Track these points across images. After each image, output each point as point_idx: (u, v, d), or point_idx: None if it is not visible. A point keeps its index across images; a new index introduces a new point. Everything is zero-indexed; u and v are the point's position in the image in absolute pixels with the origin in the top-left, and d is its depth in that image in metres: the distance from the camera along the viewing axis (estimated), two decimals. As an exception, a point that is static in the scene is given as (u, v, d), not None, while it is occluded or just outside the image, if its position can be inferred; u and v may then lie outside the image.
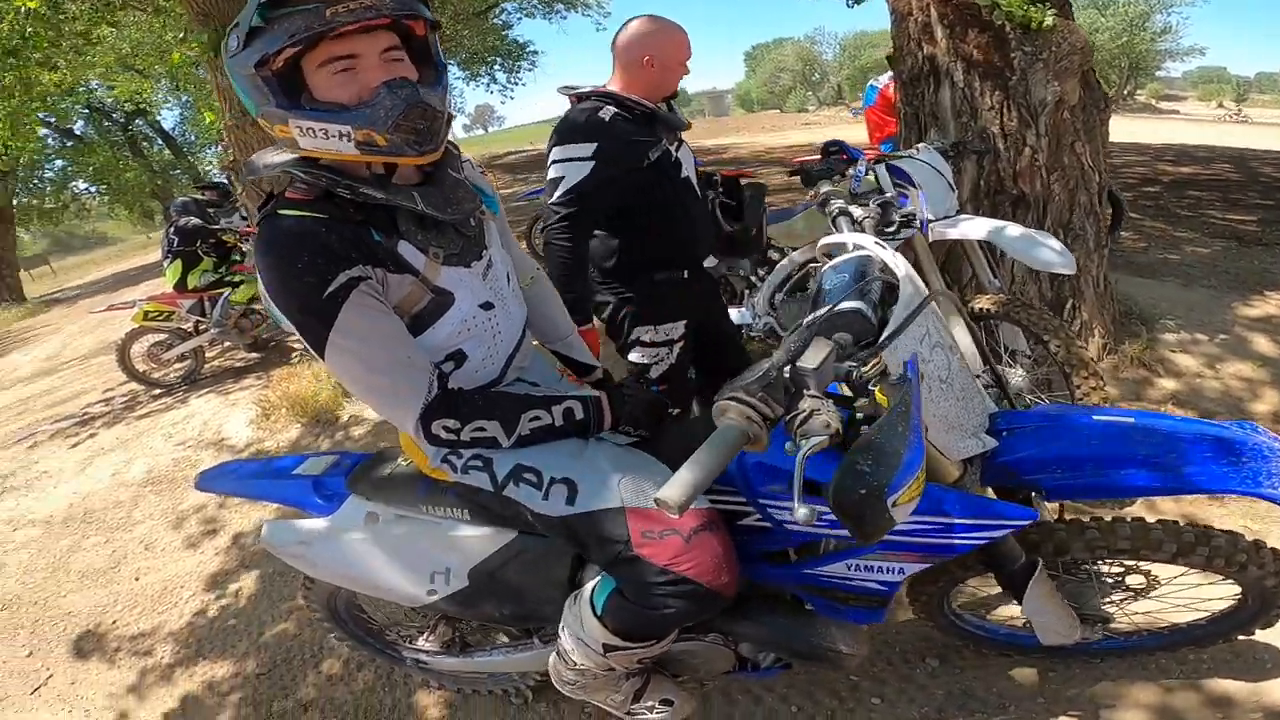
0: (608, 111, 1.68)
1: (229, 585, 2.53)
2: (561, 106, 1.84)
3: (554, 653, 1.32)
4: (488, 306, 1.16)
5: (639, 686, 1.39)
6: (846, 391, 0.85)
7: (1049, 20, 2.46)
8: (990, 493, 1.20)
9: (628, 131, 1.69)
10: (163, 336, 4.85)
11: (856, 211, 1.55)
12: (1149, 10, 28.13)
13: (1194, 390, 2.68)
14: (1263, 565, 1.21)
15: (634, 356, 1.92)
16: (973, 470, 1.10)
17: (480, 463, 1.18)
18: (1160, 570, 1.34)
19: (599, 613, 1.17)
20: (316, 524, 1.39)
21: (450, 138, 1.07)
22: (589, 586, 1.21)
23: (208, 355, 5.14)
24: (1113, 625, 1.43)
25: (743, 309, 2.95)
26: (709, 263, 2.08)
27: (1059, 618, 1.29)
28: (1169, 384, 2.72)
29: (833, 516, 1.03)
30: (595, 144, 1.64)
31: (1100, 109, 2.76)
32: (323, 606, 1.67)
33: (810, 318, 0.88)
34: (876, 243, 1.10)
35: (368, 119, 0.92)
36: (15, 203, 14.80)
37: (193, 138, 17.98)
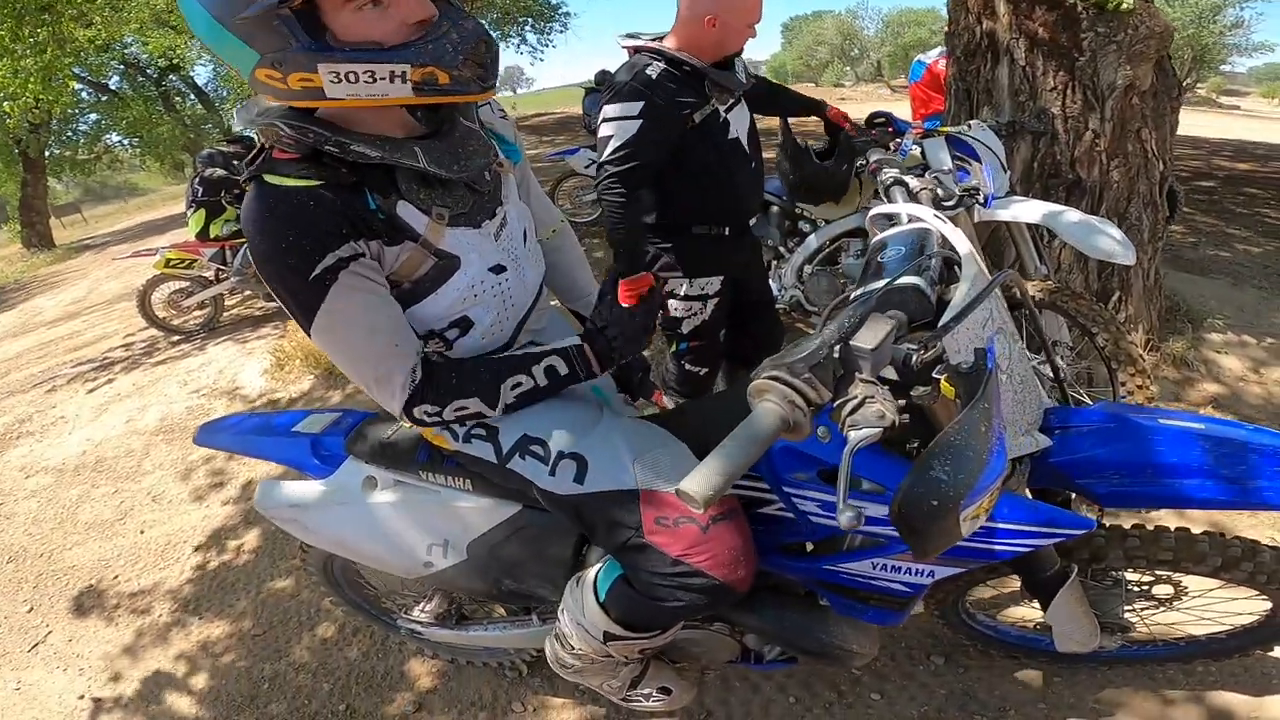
0: (655, 69, 1.67)
1: (231, 541, 2.51)
2: (590, 70, 1.81)
3: (551, 634, 1.26)
4: (499, 270, 1.05)
5: (637, 673, 1.34)
6: (893, 376, 0.75)
7: (1129, 2, 2.30)
8: (1027, 494, 1.12)
9: (673, 91, 1.67)
10: (184, 284, 4.88)
11: (913, 182, 1.43)
12: (1222, 3, 26.92)
13: (1235, 394, 2.56)
14: None
15: (669, 307, 1.91)
16: (1021, 470, 1.00)
17: (484, 431, 1.10)
18: (1190, 581, 1.27)
19: (602, 599, 1.10)
20: (311, 487, 1.33)
21: None
22: (593, 571, 1.14)
23: (227, 304, 5.16)
24: (1131, 634, 1.36)
25: (770, 280, 2.84)
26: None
27: (1082, 626, 1.22)
28: (1210, 386, 2.60)
29: (877, 515, 0.96)
30: (642, 102, 1.64)
31: (1173, 97, 2.60)
32: (319, 570, 1.63)
33: (862, 291, 0.78)
34: (936, 215, 0.99)
35: (432, 54, 0.82)
36: (49, 154, 14.97)
37: (224, 93, 17.96)
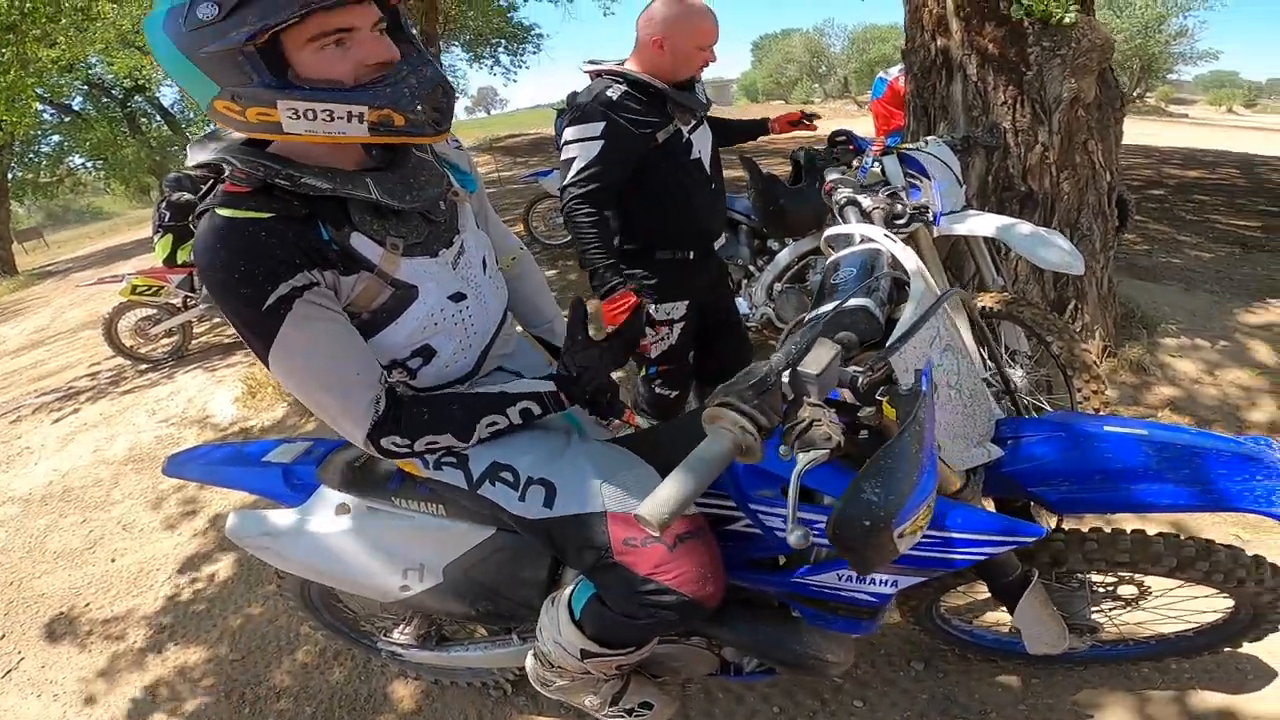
0: (616, 90, 1.70)
1: (205, 569, 2.48)
2: (565, 91, 1.84)
3: (531, 653, 1.28)
4: (459, 298, 1.07)
5: (618, 689, 1.34)
6: (848, 397, 0.79)
7: (1071, 16, 2.40)
8: (989, 504, 1.16)
9: (636, 112, 1.69)
10: (151, 311, 4.78)
11: (865, 201, 1.49)
12: (1166, 13, 27.87)
13: (1191, 396, 2.65)
14: (1261, 581, 1.18)
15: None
16: (975, 480, 1.04)
17: (454, 459, 1.12)
18: (1153, 581, 1.31)
19: (577, 618, 1.13)
20: (284, 515, 1.34)
21: None
22: (567, 590, 1.17)
23: (196, 331, 5.08)
24: (1100, 634, 1.41)
25: (740, 298, 2.89)
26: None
27: (1049, 628, 1.26)
28: (1166, 389, 2.69)
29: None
30: (604, 123, 1.66)
31: (1116, 108, 2.71)
32: (296, 595, 1.63)
33: (813, 315, 0.82)
34: (886, 235, 1.03)
35: (389, 98, 0.84)
36: (10, 176, 14.63)
37: (191, 114, 17.75)
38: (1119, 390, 2.68)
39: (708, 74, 1.89)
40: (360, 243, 0.95)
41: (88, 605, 2.42)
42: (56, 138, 16.08)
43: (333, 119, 0.84)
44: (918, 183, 2.15)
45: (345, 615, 1.75)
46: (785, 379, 0.68)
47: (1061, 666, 1.54)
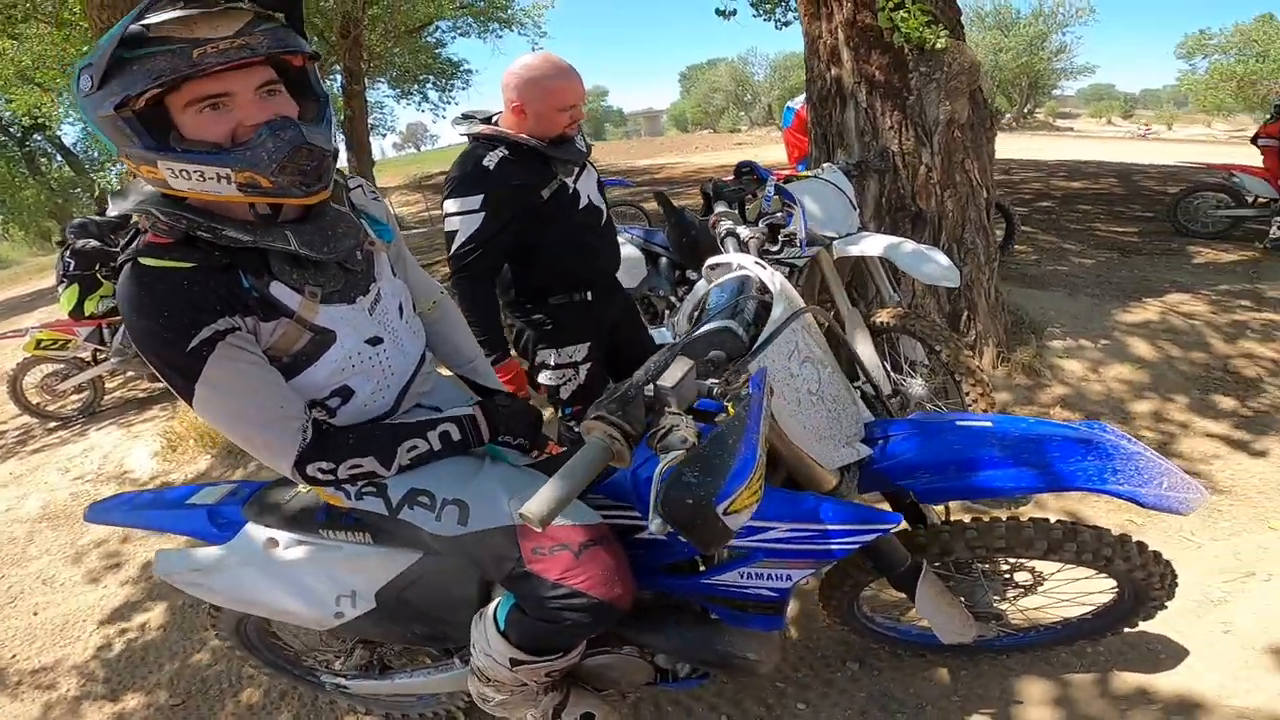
0: (493, 158, 1.68)
1: (135, 618, 2.43)
2: None
3: (470, 671, 1.32)
4: (375, 341, 1.13)
5: (559, 701, 1.39)
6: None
7: (942, 41, 2.61)
8: (862, 498, 1.26)
9: (515, 175, 1.69)
10: (58, 366, 4.57)
11: (743, 232, 1.62)
12: (1046, 30, 30.16)
13: (1079, 393, 2.89)
14: (1129, 559, 1.29)
15: (543, 379, 1.94)
16: (849, 478, 1.16)
17: (374, 488, 1.18)
18: (1043, 567, 1.41)
19: (502, 628, 1.19)
20: (212, 552, 1.36)
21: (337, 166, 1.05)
22: (493, 604, 1.23)
23: (108, 386, 4.86)
24: (1007, 621, 1.52)
25: (663, 328, 3.00)
26: (630, 282, 2.12)
27: (951, 616, 1.36)
28: (1057, 388, 2.92)
29: None
30: (482, 195, 1.66)
31: (987, 127, 2.96)
32: (232, 634, 1.63)
33: (683, 337, 0.93)
34: (756, 262, 1.15)
35: (249, 161, 0.88)
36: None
37: (95, 154, 16.97)
38: (1014, 392, 2.90)
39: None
40: (279, 291, 1.00)
41: (14, 656, 2.36)
42: (-52, 180, 15.10)
43: (204, 179, 0.88)
44: (793, 211, 2.31)
45: (286, 652, 1.75)
46: (650, 392, 0.78)
47: (985, 657, 1.65)
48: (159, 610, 2.41)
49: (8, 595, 2.72)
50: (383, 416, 1.19)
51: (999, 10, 31.23)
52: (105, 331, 4.58)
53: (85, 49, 5.96)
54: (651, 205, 6.46)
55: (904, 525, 1.18)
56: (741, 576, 1.20)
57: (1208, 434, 2.58)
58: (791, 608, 1.91)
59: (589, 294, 1.89)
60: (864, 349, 2.30)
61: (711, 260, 1.21)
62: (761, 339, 0.95)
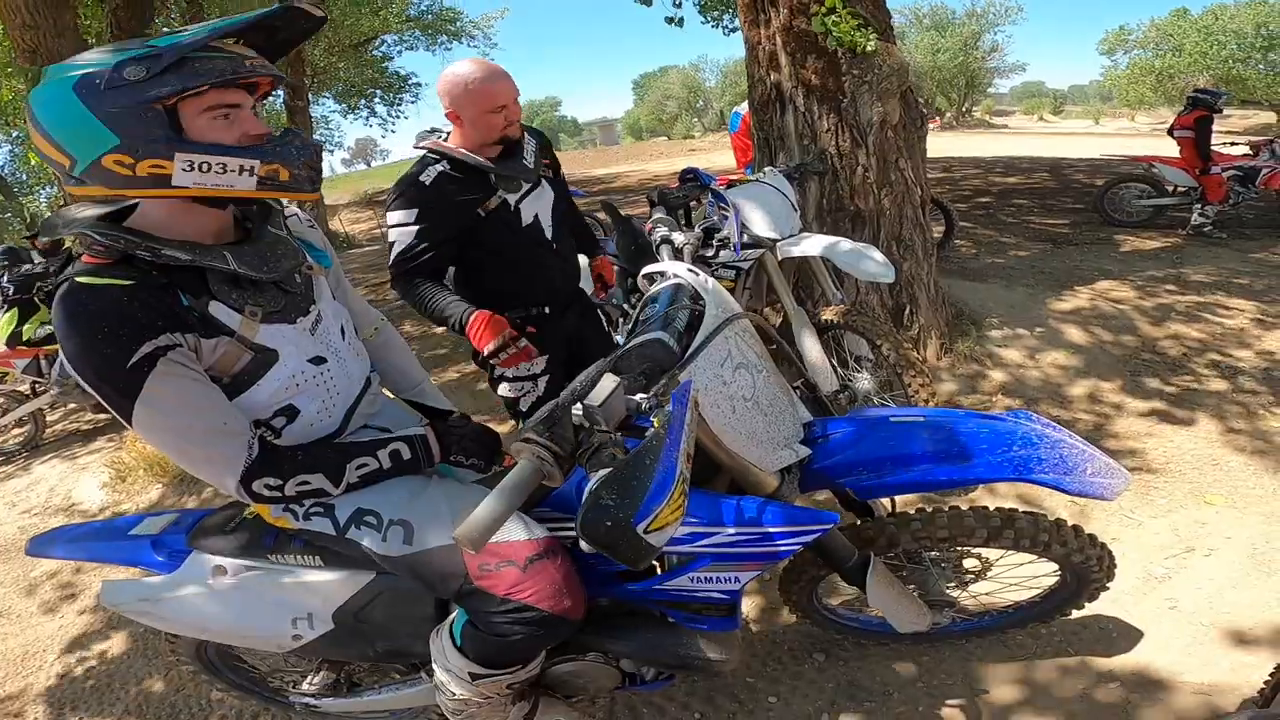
0: (431, 173, 1.70)
1: (96, 646, 2.36)
2: None
3: (434, 686, 1.31)
4: (319, 360, 1.14)
5: (527, 710, 1.39)
6: None
7: (872, 44, 2.69)
8: (812, 498, 1.29)
9: (452, 192, 1.70)
10: (-5, 401, 4.34)
11: (677, 238, 1.63)
12: (979, 30, 31.24)
13: (1019, 380, 2.99)
14: (1065, 543, 1.34)
15: (503, 390, 1.95)
16: (790, 479, 1.18)
17: (321, 509, 1.18)
18: (989, 554, 1.46)
19: (458, 644, 1.19)
20: (159, 580, 1.33)
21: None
22: (449, 620, 1.23)
23: (49, 419, 4.65)
24: (960, 608, 1.55)
25: (618, 336, 3.00)
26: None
27: (904, 606, 1.39)
28: (998, 376, 3.02)
29: (679, 535, 1.09)
30: (417, 210, 1.69)
31: (918, 126, 3.06)
32: (193, 658, 1.60)
33: (614, 353, 0.93)
34: (689, 269, 1.17)
35: (280, 155, 0.97)
36: None
37: (24, 177, 16.15)
38: (958, 382, 2.99)
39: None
40: (219, 310, 1.01)
41: (-24, 688, 2.24)
42: None
43: (225, 171, 0.94)
44: (728, 214, 2.35)
45: (251, 673, 1.72)
46: (578, 411, 0.78)
47: (945, 642, 1.69)
48: (120, 638, 2.37)
49: (-38, 627, 2.59)
50: (330, 437, 1.19)
51: (935, 10, 32.26)
52: (43, 362, 4.40)
53: (9, 69, 5.66)
54: (605, 215, 6.48)
55: (844, 522, 1.20)
56: (692, 581, 1.21)
57: (1140, 414, 2.70)
58: (756, 603, 1.96)
59: (546, 309, 1.89)
60: (810, 347, 2.35)
61: (646, 269, 1.22)
62: (692, 348, 0.96)
